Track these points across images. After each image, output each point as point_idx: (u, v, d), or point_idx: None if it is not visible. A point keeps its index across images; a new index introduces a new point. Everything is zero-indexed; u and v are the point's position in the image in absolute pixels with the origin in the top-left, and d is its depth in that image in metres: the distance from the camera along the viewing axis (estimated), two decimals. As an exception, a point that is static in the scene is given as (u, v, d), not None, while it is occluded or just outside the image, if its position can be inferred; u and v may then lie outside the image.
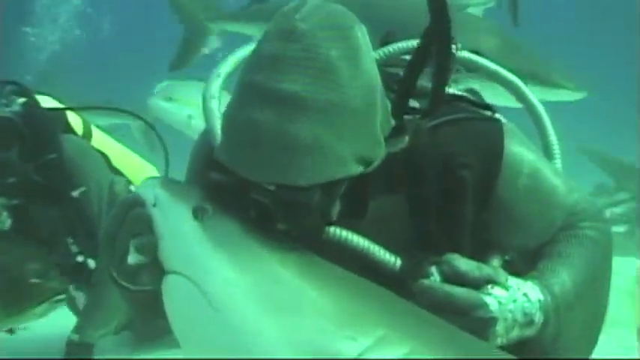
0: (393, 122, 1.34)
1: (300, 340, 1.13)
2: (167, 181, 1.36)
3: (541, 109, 1.70)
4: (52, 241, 2.96)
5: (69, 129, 3.11)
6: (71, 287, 3.08)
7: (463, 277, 1.28)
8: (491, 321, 1.27)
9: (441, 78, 1.37)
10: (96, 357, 3.10)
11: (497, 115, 1.52)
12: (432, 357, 1.12)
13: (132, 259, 1.31)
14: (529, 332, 1.32)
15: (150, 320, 1.40)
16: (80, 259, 2.93)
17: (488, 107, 1.52)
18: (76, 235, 2.95)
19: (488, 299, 1.28)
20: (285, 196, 1.22)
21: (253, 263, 1.23)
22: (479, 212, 1.42)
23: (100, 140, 3.25)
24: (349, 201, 1.31)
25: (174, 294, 1.29)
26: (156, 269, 1.30)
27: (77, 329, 3.07)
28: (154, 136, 3.60)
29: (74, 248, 2.94)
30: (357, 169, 1.24)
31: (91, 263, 2.94)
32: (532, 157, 1.46)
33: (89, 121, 3.27)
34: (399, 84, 1.37)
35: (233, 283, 1.21)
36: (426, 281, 1.28)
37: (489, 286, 1.30)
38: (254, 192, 1.24)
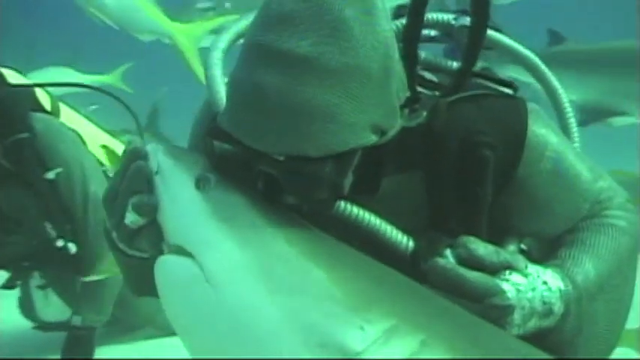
0: (408, 93, 1.25)
1: (303, 324, 1.04)
2: (170, 148, 1.27)
3: (561, 90, 1.62)
4: (27, 226, 2.82)
5: (39, 107, 2.89)
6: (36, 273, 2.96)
7: (480, 261, 1.20)
8: (508, 309, 1.19)
9: (471, 55, 1.28)
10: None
11: (519, 94, 1.44)
12: (443, 353, 1.04)
13: (130, 218, 1.20)
14: (548, 323, 1.25)
15: (144, 294, 1.31)
16: (60, 243, 2.79)
17: (509, 84, 1.44)
18: (54, 219, 2.80)
19: (505, 285, 1.20)
20: (294, 167, 1.14)
21: (257, 238, 1.14)
22: (497, 195, 1.34)
23: (70, 118, 3.05)
24: (360, 175, 1.23)
25: (167, 268, 1.20)
26: (155, 234, 1.21)
27: (78, 312, 2.91)
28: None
29: (53, 233, 2.80)
30: (372, 139, 1.16)
31: (72, 247, 2.80)
32: (556, 140, 1.38)
33: (57, 98, 3.06)
34: (402, 52, 1.27)
35: (234, 259, 1.11)
36: (440, 260, 1.20)
37: (507, 272, 1.22)
38: (260, 162, 1.16)
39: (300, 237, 1.16)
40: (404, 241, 1.26)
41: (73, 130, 2.96)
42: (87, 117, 3.20)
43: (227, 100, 1.21)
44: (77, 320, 2.88)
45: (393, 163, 1.28)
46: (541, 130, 1.36)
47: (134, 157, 1.22)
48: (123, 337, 3.32)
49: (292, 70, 1.10)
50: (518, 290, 1.21)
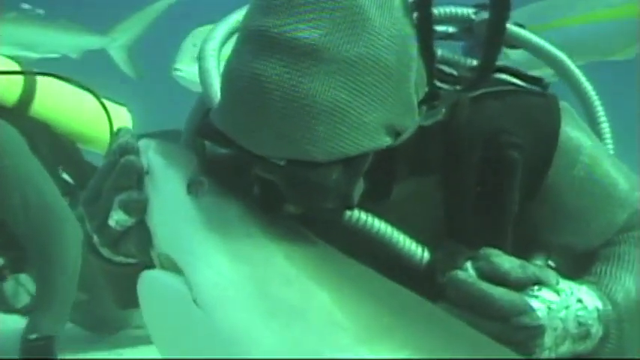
0: (426, 88, 1.13)
1: (304, 355, 0.92)
2: (163, 145, 1.16)
3: (593, 92, 1.50)
4: None
5: None
6: None
7: (504, 276, 1.07)
8: (538, 329, 1.06)
9: (492, 46, 1.17)
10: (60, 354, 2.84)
11: (550, 91, 1.32)
12: None
13: (115, 217, 1.08)
14: (584, 347, 1.12)
15: (131, 306, 1.19)
16: None
17: (537, 80, 1.32)
18: None
19: (534, 303, 1.07)
20: (297, 173, 1.01)
21: (253, 253, 1.02)
22: (524, 203, 1.22)
23: (50, 100, 2.99)
24: (370, 180, 1.11)
25: (152, 285, 1.09)
26: (144, 236, 1.09)
27: (32, 328, 2.75)
28: None
29: None
30: (386, 141, 1.04)
31: None
32: (591, 144, 1.26)
33: (33, 80, 2.97)
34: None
35: (226, 277, 0.99)
36: (460, 273, 1.07)
37: (535, 288, 1.09)
38: (258, 167, 1.04)
39: (302, 253, 1.04)
40: (419, 251, 1.14)
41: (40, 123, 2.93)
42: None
43: (221, 94, 1.09)
44: (32, 336, 2.73)
45: (407, 166, 1.17)
46: (574, 132, 1.24)
47: (123, 152, 1.10)
48: (106, 341, 3.23)
49: (297, 61, 0.98)
50: (550, 308, 1.08)
